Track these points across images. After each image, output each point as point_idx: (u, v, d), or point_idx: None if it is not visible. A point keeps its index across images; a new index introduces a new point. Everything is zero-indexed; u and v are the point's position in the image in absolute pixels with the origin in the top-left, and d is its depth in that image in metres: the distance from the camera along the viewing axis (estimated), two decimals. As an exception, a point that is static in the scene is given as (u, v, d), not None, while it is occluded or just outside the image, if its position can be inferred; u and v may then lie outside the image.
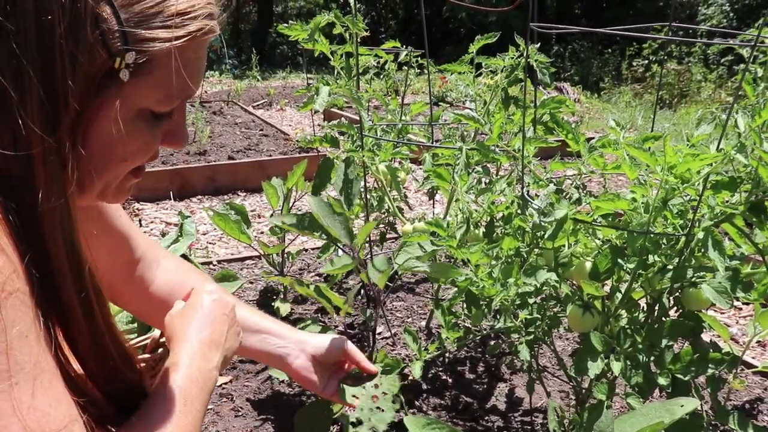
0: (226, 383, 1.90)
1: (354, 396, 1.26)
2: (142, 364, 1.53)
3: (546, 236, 1.24)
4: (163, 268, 1.24)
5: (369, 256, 2.13)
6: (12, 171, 0.65)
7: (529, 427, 1.72)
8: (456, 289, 1.33)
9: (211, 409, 1.76)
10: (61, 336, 0.74)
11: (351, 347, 1.25)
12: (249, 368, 1.98)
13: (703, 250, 1.22)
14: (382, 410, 1.25)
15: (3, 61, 0.62)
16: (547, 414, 1.01)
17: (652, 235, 1.22)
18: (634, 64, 11.70)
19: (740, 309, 2.76)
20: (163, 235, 3.29)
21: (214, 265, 2.80)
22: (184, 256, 1.95)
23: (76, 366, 0.79)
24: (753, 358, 2.27)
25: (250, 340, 1.21)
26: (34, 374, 0.65)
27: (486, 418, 1.76)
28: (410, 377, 1.90)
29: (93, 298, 0.77)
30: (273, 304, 2.27)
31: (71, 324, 0.74)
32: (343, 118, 1.93)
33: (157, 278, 1.23)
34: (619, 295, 1.30)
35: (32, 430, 0.64)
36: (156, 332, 1.35)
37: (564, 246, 1.31)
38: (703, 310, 1.32)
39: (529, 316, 1.33)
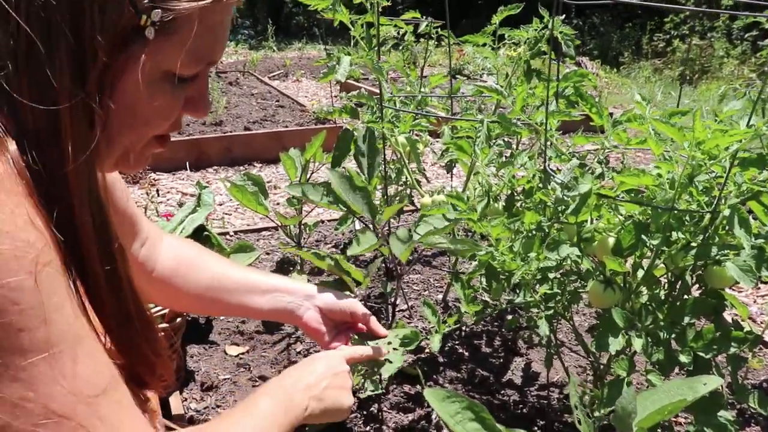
0: (243, 353, 1.91)
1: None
2: (161, 333, 1.54)
3: (569, 211, 1.22)
4: (165, 248, 1.26)
5: (387, 229, 2.13)
6: (39, 125, 0.65)
7: (545, 401, 1.72)
8: (476, 263, 1.32)
9: (228, 378, 1.77)
10: (86, 300, 0.75)
11: (359, 306, 1.27)
12: (266, 339, 1.99)
13: (728, 227, 1.20)
14: (390, 362, 1.26)
15: (32, 15, 0.62)
16: (565, 389, 1.01)
17: (676, 212, 1.21)
18: (655, 38, 11.53)
19: (758, 288, 2.74)
20: (180, 205, 3.30)
21: (231, 236, 2.81)
22: (201, 227, 1.96)
23: (100, 330, 0.80)
24: (771, 337, 2.26)
25: (261, 300, 1.24)
26: (74, 342, 0.66)
27: (502, 392, 1.76)
28: (427, 350, 1.91)
29: (119, 263, 0.77)
30: (290, 275, 2.28)
31: (96, 288, 0.75)
32: (362, 89, 1.91)
33: (161, 258, 1.25)
34: (641, 272, 1.29)
35: (79, 393, 0.65)
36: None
37: (587, 221, 1.29)
38: (725, 289, 1.31)
39: (549, 291, 1.32)
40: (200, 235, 1.94)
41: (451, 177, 2.45)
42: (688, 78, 9.62)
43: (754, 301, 2.61)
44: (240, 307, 1.25)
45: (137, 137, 0.79)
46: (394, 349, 1.28)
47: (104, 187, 0.74)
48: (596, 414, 1.07)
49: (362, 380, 1.37)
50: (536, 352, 1.97)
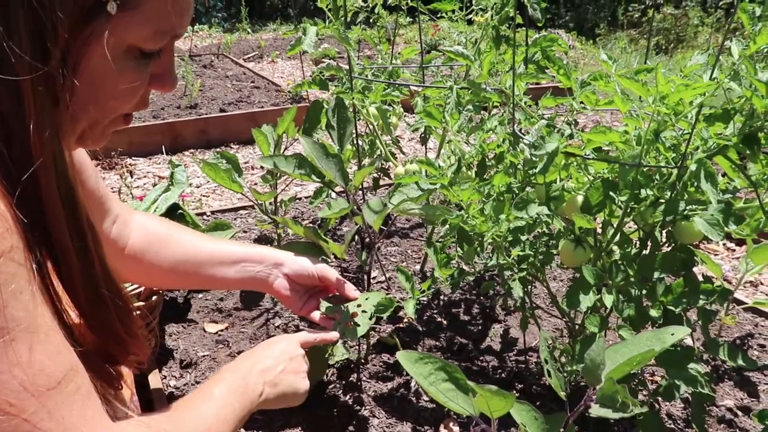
0: (221, 330, 1.91)
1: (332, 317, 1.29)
2: (137, 312, 1.53)
3: (537, 170, 1.23)
4: (136, 225, 1.25)
5: (363, 202, 2.13)
6: (1, 101, 0.64)
7: (523, 366, 1.73)
8: (447, 227, 1.33)
9: (207, 355, 1.77)
10: (54, 277, 0.74)
11: (329, 271, 1.28)
12: (245, 315, 1.98)
13: (695, 182, 1.21)
14: (358, 325, 1.27)
15: None
16: (540, 348, 1.01)
17: (644, 168, 1.21)
18: (630, 9, 11.53)
19: (733, 251, 2.76)
20: (155, 186, 3.27)
21: (208, 216, 2.79)
22: (175, 205, 1.94)
23: (72, 311, 0.79)
24: (746, 297, 2.29)
25: (231, 271, 1.24)
26: (30, 330, 0.65)
27: (481, 358, 1.77)
28: (405, 319, 1.92)
29: (89, 240, 0.76)
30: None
31: (65, 263, 0.74)
32: (332, 61, 1.90)
33: (132, 235, 1.24)
34: (612, 230, 1.30)
35: (30, 385, 0.64)
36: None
37: (556, 181, 1.30)
38: (696, 246, 1.32)
39: (521, 253, 1.33)
40: (174, 213, 1.92)
41: (426, 150, 2.45)
42: (663, 47, 9.65)
43: (729, 263, 2.64)
44: (211, 279, 1.25)
45: (103, 114, 0.78)
46: (363, 311, 1.28)
47: (71, 163, 0.73)
48: (568, 368, 1.08)
49: (340, 345, 1.37)
50: (514, 318, 1.98)
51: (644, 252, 1.31)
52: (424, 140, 2.33)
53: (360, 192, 2.21)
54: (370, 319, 1.27)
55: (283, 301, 1.28)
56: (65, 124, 0.70)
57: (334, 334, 1.25)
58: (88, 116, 0.75)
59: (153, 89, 0.81)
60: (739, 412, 1.60)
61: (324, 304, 1.29)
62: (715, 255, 2.72)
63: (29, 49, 0.63)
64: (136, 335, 0.90)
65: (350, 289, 1.31)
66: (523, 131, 1.45)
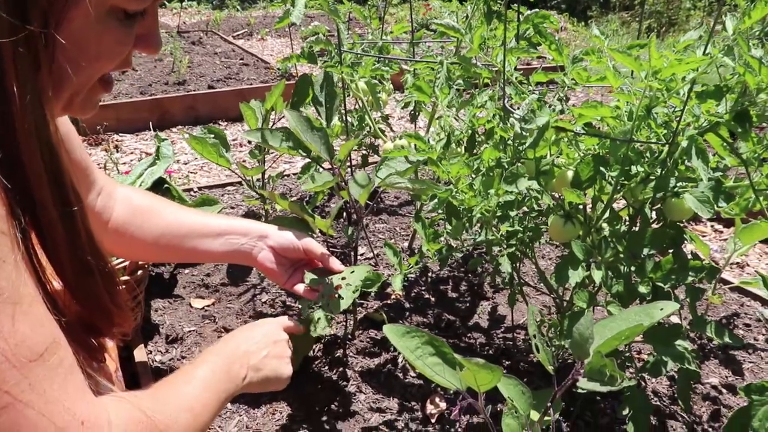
0: (208, 306, 1.89)
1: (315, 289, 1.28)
2: (123, 286, 1.52)
3: (527, 145, 1.21)
4: (119, 198, 1.23)
5: (351, 178, 2.11)
6: None
7: (510, 343, 1.73)
8: (435, 201, 1.31)
9: (193, 330, 1.75)
10: (39, 247, 0.72)
11: (314, 244, 1.27)
12: (231, 291, 1.97)
13: (686, 159, 1.20)
14: (341, 297, 1.26)
15: None
16: (528, 324, 1.00)
17: (635, 144, 1.20)
18: (622, -9, 11.48)
19: (720, 232, 2.77)
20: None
21: (195, 192, 2.77)
22: (161, 180, 1.92)
23: (55, 281, 0.77)
24: (732, 278, 2.29)
25: (214, 244, 1.23)
26: (13, 300, 0.63)
27: (468, 335, 1.77)
28: (393, 296, 1.91)
29: (73, 204, 0.75)
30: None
31: (50, 230, 0.72)
32: (321, 36, 1.87)
33: (116, 208, 1.22)
34: (602, 206, 1.29)
35: (12, 356, 0.62)
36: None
37: (546, 156, 1.28)
38: (687, 225, 1.31)
39: (510, 229, 1.32)
40: (160, 188, 1.90)
41: (416, 127, 2.43)
42: (655, 30, 9.63)
43: (718, 244, 2.64)
44: (194, 251, 1.24)
45: (86, 77, 0.75)
46: (348, 284, 1.27)
47: (55, 129, 0.70)
48: (556, 343, 1.08)
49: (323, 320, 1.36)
50: (502, 295, 1.97)
51: (634, 228, 1.30)
52: (413, 118, 2.31)
53: (348, 169, 2.19)
54: (355, 292, 1.25)
55: (268, 274, 1.27)
56: (48, 88, 0.68)
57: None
58: (71, 80, 0.73)
59: (138, 50, 0.79)
60: (724, 390, 1.60)
61: (308, 276, 1.28)
62: (703, 236, 2.73)
63: (8, 9, 0.61)
64: (121, 305, 0.88)
65: (335, 262, 1.30)
66: (513, 106, 1.43)
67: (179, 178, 3.16)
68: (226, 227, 1.25)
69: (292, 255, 1.27)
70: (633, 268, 1.22)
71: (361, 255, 2.16)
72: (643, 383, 1.57)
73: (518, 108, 1.36)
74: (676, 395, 1.55)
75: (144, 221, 1.24)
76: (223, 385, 0.98)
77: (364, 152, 2.54)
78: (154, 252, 1.27)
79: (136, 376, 1.53)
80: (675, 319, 1.81)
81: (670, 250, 1.26)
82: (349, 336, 1.70)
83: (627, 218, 1.33)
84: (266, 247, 1.25)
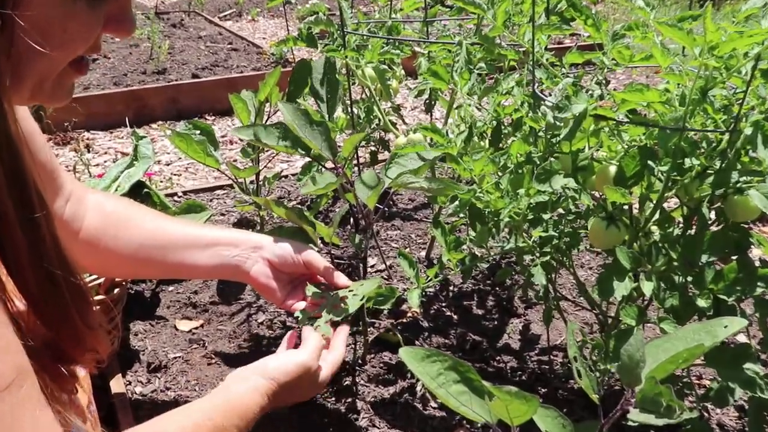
0: (196, 328, 1.89)
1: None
2: (97, 306, 1.51)
3: (562, 137, 1.20)
4: (91, 205, 1.23)
5: (357, 177, 2.10)
6: None
7: (546, 367, 1.71)
8: (456, 203, 1.30)
9: (179, 357, 1.75)
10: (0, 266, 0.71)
11: (316, 257, 1.26)
12: (223, 310, 1.96)
13: (750, 149, 1.18)
14: (346, 306, 1.26)
15: None
16: (567, 344, 0.99)
17: (689, 134, 1.18)
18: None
19: (789, 231, 2.75)
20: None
21: (179, 197, 2.77)
22: (140, 184, 1.92)
23: (17, 299, 0.76)
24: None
25: (202, 256, 1.23)
26: None
27: (497, 358, 1.75)
28: (409, 313, 1.90)
29: (36, 208, 0.74)
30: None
31: (9, 239, 0.71)
32: (321, 14, 1.86)
33: (87, 216, 1.21)
34: (650, 206, 1.27)
35: None
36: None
37: (584, 149, 1.27)
38: (749, 228, 1.29)
39: (543, 234, 1.30)
40: (139, 193, 1.90)
41: (431, 119, 2.42)
42: None
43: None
44: (179, 265, 1.23)
45: (50, 63, 0.75)
46: (354, 295, 1.26)
47: (14, 122, 0.70)
48: (601, 367, 1.06)
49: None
50: (535, 311, 1.96)
51: (689, 232, 1.28)
52: (428, 107, 2.30)
53: (355, 168, 2.18)
54: (363, 300, 1.25)
55: (262, 291, 1.27)
56: (5, 75, 0.67)
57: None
58: (34, 66, 0.73)
59: (108, 33, 0.79)
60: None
61: (310, 288, 1.27)
62: (766, 235, 2.70)
63: None
64: (93, 326, 0.88)
65: (341, 277, 1.29)
66: (544, 92, 1.42)
67: (161, 182, 3.16)
68: (215, 238, 1.24)
69: (291, 269, 1.26)
70: (689, 278, 1.20)
71: (372, 267, 2.15)
72: (706, 414, 1.55)
73: (550, 94, 1.34)
74: (747, 429, 1.53)
75: (119, 231, 1.24)
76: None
77: (372, 148, 2.53)
78: (131, 266, 1.26)
79: (113, 411, 1.52)
80: (742, 338, 1.78)
81: (734, 257, 1.23)
82: (359, 361, 1.69)
83: (681, 220, 1.31)
84: (261, 260, 1.24)
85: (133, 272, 1.37)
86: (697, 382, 1.67)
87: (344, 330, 1.30)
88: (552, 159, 1.29)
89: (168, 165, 3.46)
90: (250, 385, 1.07)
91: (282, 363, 1.13)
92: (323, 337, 1.23)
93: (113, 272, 1.43)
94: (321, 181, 1.35)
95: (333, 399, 1.59)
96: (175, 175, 3.34)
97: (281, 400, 1.12)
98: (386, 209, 1.95)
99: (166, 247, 1.22)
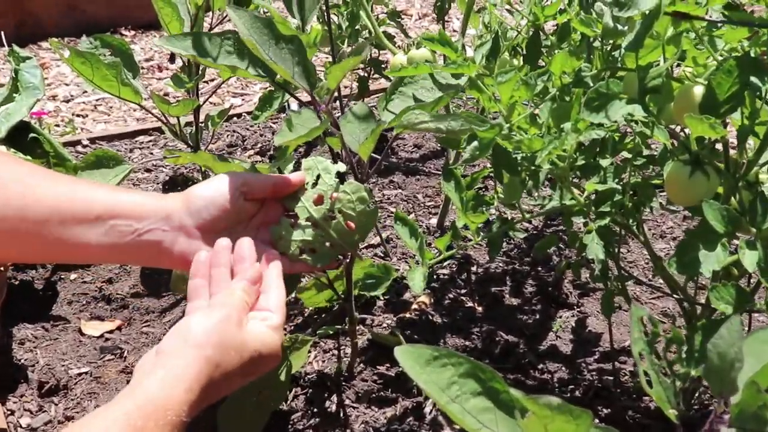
0: (111, 332, 1.90)
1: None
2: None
3: (625, 46, 1.20)
4: None
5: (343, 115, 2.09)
6: None
7: (610, 378, 1.73)
8: (476, 145, 1.30)
9: (86, 373, 1.76)
10: None
11: (256, 183, 1.26)
12: (150, 305, 1.98)
13: None
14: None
15: None
16: (631, 332, 1.00)
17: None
18: None
19: None
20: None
21: (85, 146, 2.78)
22: (24, 126, 1.92)
23: None
24: None
25: (92, 233, 1.20)
26: None
27: (540, 366, 1.77)
28: (414, 305, 1.91)
29: None
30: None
31: None
32: None
33: None
34: (756, 144, 1.27)
35: None
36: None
37: (657, 63, 1.27)
38: None
39: (601, 186, 1.31)
40: (21, 139, 1.90)
41: (444, 26, 2.41)
42: None
43: None
44: (59, 246, 1.21)
45: None
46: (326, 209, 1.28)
47: None
48: (681, 370, 1.07)
49: None
50: (593, 300, 1.97)
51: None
52: (440, 11, 2.30)
53: (338, 103, 2.18)
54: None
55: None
56: None
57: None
58: None
59: None
60: None
61: (272, 231, 1.29)
62: None
63: None
64: None
65: (291, 179, 1.30)
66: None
67: (57, 125, 3.17)
68: (109, 205, 1.21)
69: (225, 221, 1.26)
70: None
71: (363, 243, 2.16)
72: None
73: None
74: None
75: None
76: None
77: (360, 73, 2.53)
78: None
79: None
80: None
81: None
82: (345, 373, 1.71)
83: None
84: (182, 232, 1.23)
85: None
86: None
87: (276, 266, 1.28)
88: (611, 79, 1.29)
89: (67, 101, 3.46)
90: (167, 374, 1.05)
91: (210, 325, 1.10)
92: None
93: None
94: (300, 125, 1.33)
95: (310, 428, 1.61)
96: (78, 115, 3.34)
97: (220, 386, 1.10)
98: (383, 161, 1.95)
99: (37, 220, 1.20)
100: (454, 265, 2.06)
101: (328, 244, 1.30)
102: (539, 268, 2.07)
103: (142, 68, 3.80)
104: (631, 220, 1.39)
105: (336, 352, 1.70)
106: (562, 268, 2.03)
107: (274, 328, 1.15)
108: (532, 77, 1.31)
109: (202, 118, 2.28)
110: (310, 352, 1.72)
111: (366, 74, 2.51)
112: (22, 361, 1.80)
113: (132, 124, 3.17)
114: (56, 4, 4.07)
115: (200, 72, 2.13)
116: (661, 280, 1.63)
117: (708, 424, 0.92)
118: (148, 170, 2.62)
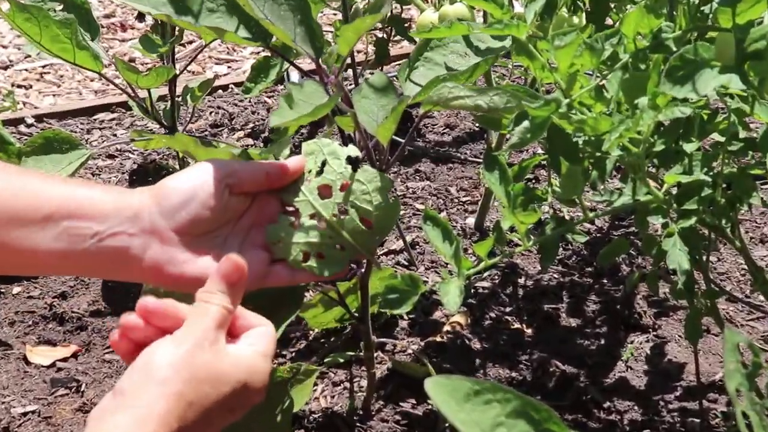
0: (64, 359, 1.91)
1: None
2: None
3: (718, 0, 1.20)
4: None
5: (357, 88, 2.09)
6: None
7: (696, 421, 1.73)
8: (527, 125, 1.31)
9: (33, 412, 1.77)
10: None
11: (248, 172, 1.26)
12: (113, 326, 1.99)
13: None
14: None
15: None
16: (724, 362, 1.00)
17: None
18: None
19: None
20: None
21: (30, 125, 2.79)
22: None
23: None
24: None
25: (40, 237, 1.19)
26: None
27: (606, 404, 1.77)
28: (446, 326, 1.91)
29: None
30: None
31: None
32: None
33: None
34: None
35: None
36: None
37: (760, 21, 1.27)
38: None
39: (685, 178, 1.31)
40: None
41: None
42: None
43: None
44: (4, 252, 1.22)
45: None
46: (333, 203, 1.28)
47: None
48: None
49: None
50: (674, 322, 1.97)
51: None
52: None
53: (350, 73, 2.19)
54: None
55: (187, 286, 1.27)
56: None
57: None
58: None
59: None
60: None
61: (269, 231, 1.29)
62: None
63: None
64: None
65: (288, 165, 1.30)
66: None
67: (-3, 100, 3.19)
68: (62, 202, 1.22)
69: (208, 224, 1.26)
70: None
71: (382, 247, 2.16)
72: None
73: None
74: None
75: None
76: None
77: (378, 35, 2.53)
78: None
79: None
80: None
81: None
82: (360, 411, 1.71)
83: None
84: (155, 237, 1.23)
85: None
86: None
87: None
88: (699, 42, 1.30)
89: (5, 68, 3.48)
90: (127, 420, 1.06)
91: (179, 355, 1.10)
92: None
93: None
94: (303, 101, 1.32)
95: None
96: (21, 86, 3.36)
97: (197, 428, 1.11)
98: (408, 145, 1.95)
99: None
100: (496, 277, 2.07)
101: (338, 247, 1.29)
102: (604, 281, 2.07)
103: (102, 27, 3.82)
104: (723, 221, 1.39)
105: (348, 384, 1.71)
106: (634, 281, 2.03)
107: (261, 352, 1.15)
108: (598, 40, 1.32)
109: (179, 90, 2.30)
110: (316, 385, 1.72)
111: (386, 36, 2.51)
112: (-48, 397, 1.82)
113: (89, 98, 3.19)
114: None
115: (177, 33, 2.14)
116: (761, 297, 1.63)
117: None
118: (110, 156, 2.63)
